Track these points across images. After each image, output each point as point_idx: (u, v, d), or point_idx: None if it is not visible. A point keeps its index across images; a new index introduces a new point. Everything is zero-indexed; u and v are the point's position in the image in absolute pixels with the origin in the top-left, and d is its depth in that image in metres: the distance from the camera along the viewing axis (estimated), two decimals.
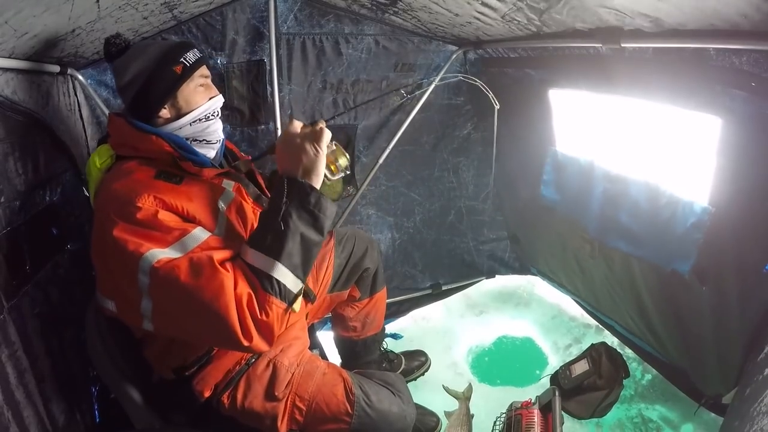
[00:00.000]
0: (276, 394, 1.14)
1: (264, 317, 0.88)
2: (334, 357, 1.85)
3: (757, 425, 0.79)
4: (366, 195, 2.22)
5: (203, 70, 1.12)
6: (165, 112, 1.07)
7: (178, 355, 1.10)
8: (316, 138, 0.97)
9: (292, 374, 1.18)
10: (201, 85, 1.11)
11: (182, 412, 1.16)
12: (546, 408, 1.57)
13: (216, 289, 0.85)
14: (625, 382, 1.81)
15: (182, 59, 1.07)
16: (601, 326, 2.14)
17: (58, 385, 1.15)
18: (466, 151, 2.32)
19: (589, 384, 1.75)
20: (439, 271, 2.46)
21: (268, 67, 1.82)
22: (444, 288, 2.46)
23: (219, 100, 1.14)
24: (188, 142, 1.08)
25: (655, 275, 1.52)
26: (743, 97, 1.04)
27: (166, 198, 0.95)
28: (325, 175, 1.01)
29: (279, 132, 1.92)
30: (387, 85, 2.05)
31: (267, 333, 0.89)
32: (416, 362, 2.02)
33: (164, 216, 0.93)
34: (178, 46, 1.10)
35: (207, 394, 1.12)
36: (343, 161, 1.07)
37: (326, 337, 1.91)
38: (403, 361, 1.99)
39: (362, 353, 1.77)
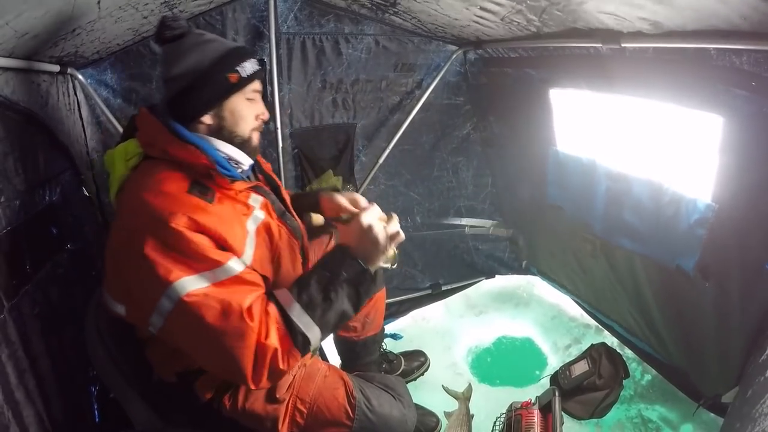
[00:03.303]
0: (277, 396, 1.13)
1: (285, 368, 0.92)
2: (334, 358, 1.84)
3: (759, 427, 0.78)
4: (365, 194, 2.20)
5: (256, 84, 1.06)
6: (207, 119, 1.01)
7: (182, 361, 1.08)
8: (393, 239, 1.05)
9: (294, 376, 1.18)
10: (249, 99, 1.05)
11: (182, 413, 1.16)
12: (546, 408, 1.57)
13: (238, 338, 0.88)
14: (624, 382, 1.81)
15: (238, 68, 1.01)
16: (601, 326, 2.14)
17: (58, 385, 1.15)
18: (466, 151, 2.32)
19: (589, 384, 1.76)
20: (439, 271, 2.45)
21: (267, 67, 1.82)
22: (444, 288, 2.45)
23: (260, 121, 1.09)
24: (225, 159, 1.00)
25: (658, 273, 1.52)
26: (744, 96, 1.04)
27: (200, 219, 0.91)
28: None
29: (279, 132, 1.92)
30: (387, 84, 2.05)
31: (278, 379, 0.95)
32: (416, 363, 2.01)
33: (197, 240, 0.89)
34: (237, 51, 1.03)
35: (208, 396, 1.12)
36: (393, 256, 1.12)
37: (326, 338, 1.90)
38: (403, 361, 1.98)
39: (362, 354, 1.76)
